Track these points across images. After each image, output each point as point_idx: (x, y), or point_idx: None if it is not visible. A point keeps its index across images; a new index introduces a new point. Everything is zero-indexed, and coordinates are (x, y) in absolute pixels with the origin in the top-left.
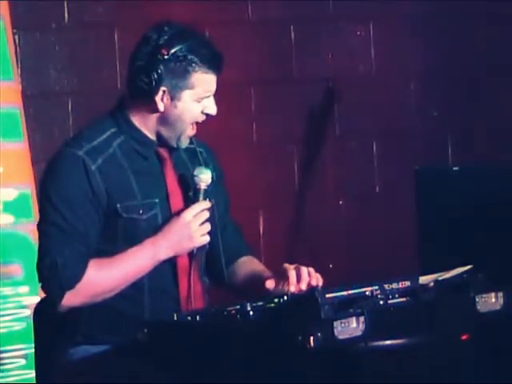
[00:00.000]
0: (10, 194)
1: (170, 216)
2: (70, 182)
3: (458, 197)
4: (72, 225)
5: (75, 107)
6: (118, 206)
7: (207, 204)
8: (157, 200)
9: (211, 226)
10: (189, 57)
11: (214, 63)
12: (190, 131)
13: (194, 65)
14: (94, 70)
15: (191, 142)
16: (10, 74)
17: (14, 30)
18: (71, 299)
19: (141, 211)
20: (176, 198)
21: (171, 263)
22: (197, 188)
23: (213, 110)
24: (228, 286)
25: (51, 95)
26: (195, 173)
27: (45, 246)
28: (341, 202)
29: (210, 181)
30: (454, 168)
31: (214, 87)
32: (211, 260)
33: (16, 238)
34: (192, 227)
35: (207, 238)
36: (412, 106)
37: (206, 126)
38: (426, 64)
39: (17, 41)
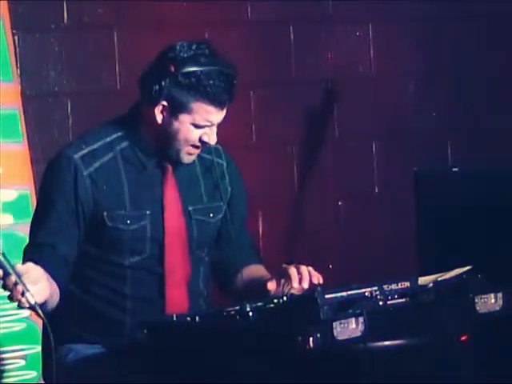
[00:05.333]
0: (9, 194)
1: (162, 228)
2: (57, 187)
3: (457, 197)
4: (46, 229)
5: (74, 108)
6: (105, 214)
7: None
8: (148, 212)
9: (224, 235)
10: (194, 84)
11: (217, 99)
12: (191, 150)
13: (196, 93)
14: (94, 71)
15: (209, 153)
16: (9, 74)
17: (14, 31)
18: None
19: (128, 221)
20: (171, 211)
21: (157, 276)
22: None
23: (211, 140)
24: (232, 293)
25: (50, 96)
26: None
27: (28, 238)
28: (340, 203)
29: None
30: (454, 169)
31: (215, 119)
32: (221, 268)
33: (15, 239)
34: None
35: None
36: (411, 107)
37: None
38: (426, 64)
39: (16, 41)
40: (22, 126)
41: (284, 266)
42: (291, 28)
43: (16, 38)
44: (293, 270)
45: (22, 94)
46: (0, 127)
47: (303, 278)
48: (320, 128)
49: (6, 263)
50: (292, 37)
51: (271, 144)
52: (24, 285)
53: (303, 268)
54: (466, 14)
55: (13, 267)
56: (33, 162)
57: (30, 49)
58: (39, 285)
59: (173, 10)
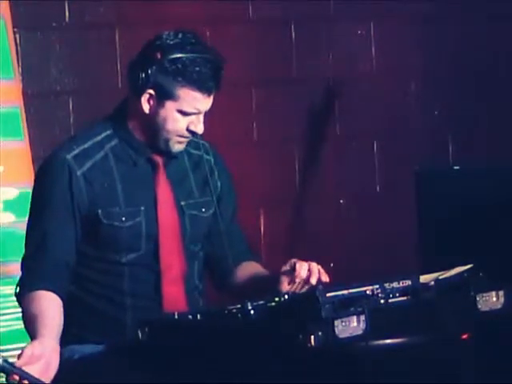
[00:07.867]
0: (10, 192)
1: (156, 224)
2: (52, 188)
3: (458, 196)
4: (44, 233)
5: (76, 106)
6: (100, 211)
7: None
8: (142, 208)
9: (215, 231)
10: (180, 69)
11: (203, 85)
12: (179, 139)
13: (181, 79)
14: (95, 70)
15: (198, 149)
16: (10, 73)
17: (15, 29)
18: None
19: (123, 218)
20: (164, 207)
21: (153, 272)
22: None
23: (198, 128)
24: (230, 290)
25: (52, 94)
26: None
27: (25, 244)
28: (341, 201)
29: None
30: (455, 167)
31: (202, 106)
32: (214, 264)
33: (16, 237)
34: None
35: None
36: (412, 106)
37: (206, 125)
38: (426, 64)
39: (18, 40)
40: (23, 125)
41: (294, 260)
42: (292, 26)
43: (17, 36)
44: (304, 264)
45: (24, 92)
46: (1, 125)
47: (312, 274)
48: (321, 126)
49: (9, 368)
50: (293, 35)
51: (272, 142)
52: (32, 378)
53: (313, 265)
54: (466, 13)
55: (15, 367)
56: (34, 160)
57: (32, 47)
58: (51, 360)
59: (174, 9)
